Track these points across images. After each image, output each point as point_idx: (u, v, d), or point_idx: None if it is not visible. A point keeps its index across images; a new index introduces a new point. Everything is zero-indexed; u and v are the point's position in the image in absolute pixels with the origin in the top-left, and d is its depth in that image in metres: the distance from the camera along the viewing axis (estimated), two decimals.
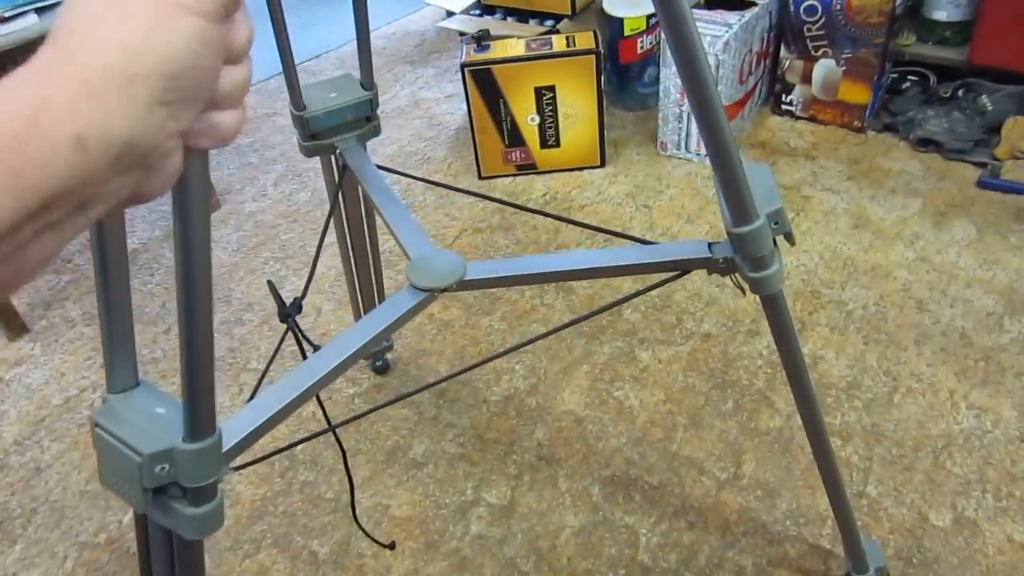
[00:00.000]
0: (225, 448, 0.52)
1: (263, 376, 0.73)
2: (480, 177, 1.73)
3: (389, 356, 1.29)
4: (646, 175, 1.68)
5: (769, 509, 1.02)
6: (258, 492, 1.10)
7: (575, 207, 1.61)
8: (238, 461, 0.57)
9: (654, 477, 1.07)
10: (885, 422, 1.11)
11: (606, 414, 1.16)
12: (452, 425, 1.17)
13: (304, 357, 0.69)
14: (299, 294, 0.77)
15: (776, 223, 0.59)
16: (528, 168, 1.72)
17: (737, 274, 0.65)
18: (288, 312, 0.71)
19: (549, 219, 1.58)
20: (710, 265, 0.66)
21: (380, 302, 1.20)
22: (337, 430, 0.74)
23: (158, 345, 1.38)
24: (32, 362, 1.37)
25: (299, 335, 0.71)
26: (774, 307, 0.66)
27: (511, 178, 1.73)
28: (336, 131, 0.92)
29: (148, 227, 1.71)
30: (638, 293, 0.74)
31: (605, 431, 1.14)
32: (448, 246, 1.54)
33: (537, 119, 1.65)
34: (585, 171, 1.72)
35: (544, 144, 1.68)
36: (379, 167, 0.87)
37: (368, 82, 0.93)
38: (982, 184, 1.54)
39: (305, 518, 1.07)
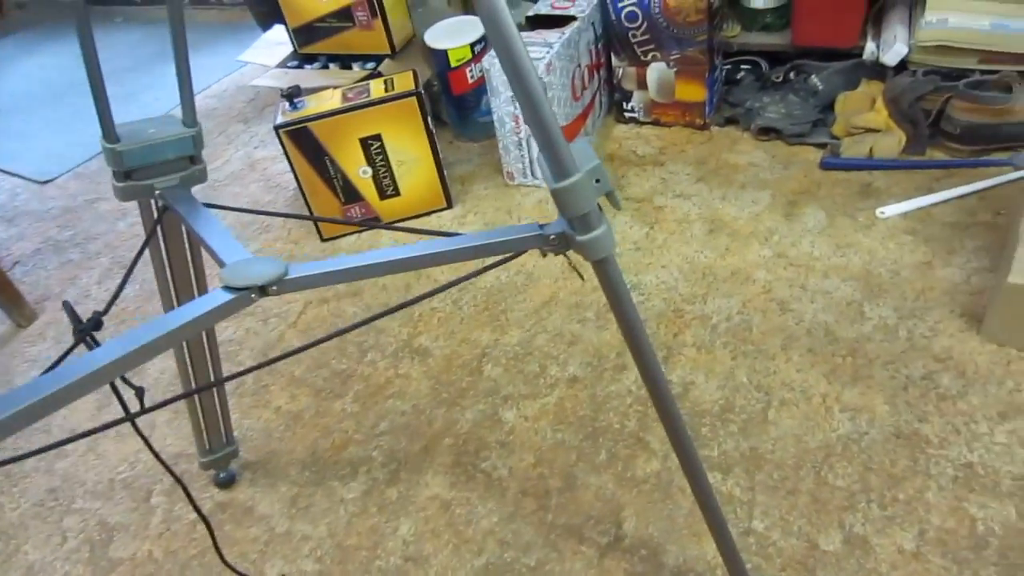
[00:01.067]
0: None
1: None
2: (323, 239, 1.61)
3: (233, 466, 1.16)
4: (496, 209, 1.60)
5: (656, 570, 0.94)
6: None
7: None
8: None
9: (531, 557, 0.97)
10: (763, 443, 1.06)
11: (474, 491, 1.06)
12: (307, 537, 1.05)
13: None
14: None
15: (597, 180, 0.58)
16: (372, 221, 1.61)
17: (570, 252, 0.64)
18: (84, 327, 0.64)
19: (398, 278, 1.47)
20: (542, 243, 0.64)
21: (218, 390, 1.08)
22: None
23: None
24: None
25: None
26: (607, 273, 0.64)
27: (356, 236, 1.61)
28: (155, 171, 0.83)
29: None
30: (474, 274, 0.69)
31: (475, 512, 1.04)
32: (293, 324, 1.42)
33: (369, 171, 1.54)
34: (432, 215, 1.62)
35: (383, 195, 1.58)
36: (207, 205, 0.77)
37: (190, 120, 0.84)
38: (825, 165, 1.52)
39: None
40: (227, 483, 1.15)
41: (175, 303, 0.99)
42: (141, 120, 0.86)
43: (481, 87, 1.74)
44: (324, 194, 1.55)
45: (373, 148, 1.51)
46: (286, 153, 1.48)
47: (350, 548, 1.03)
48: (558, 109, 1.53)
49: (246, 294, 0.63)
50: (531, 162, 1.60)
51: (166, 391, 1.32)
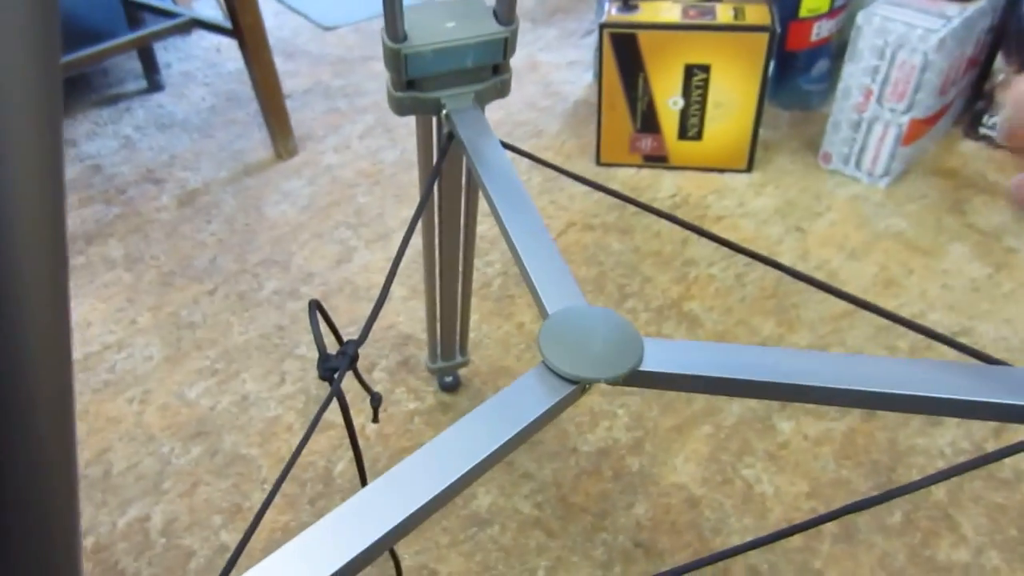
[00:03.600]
0: None
1: (264, 509, 0.44)
2: (598, 163, 1.46)
3: (462, 371, 1.05)
4: (801, 190, 1.38)
5: None
6: (286, 536, 0.88)
7: (710, 216, 1.33)
8: None
9: None
10: None
11: (729, 498, 0.89)
12: (530, 476, 0.92)
13: (355, 448, 0.44)
14: (376, 301, 0.52)
15: None
16: (657, 160, 1.44)
17: None
18: (332, 366, 0.43)
19: (676, 226, 1.30)
20: None
21: (463, 303, 0.96)
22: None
23: (199, 307, 1.17)
24: None
25: (348, 417, 0.44)
26: None
27: (635, 169, 1.45)
28: (446, 82, 0.65)
29: (215, 166, 1.51)
30: (965, 467, 0.41)
31: (726, 522, 0.87)
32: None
33: (681, 103, 1.36)
34: (726, 174, 1.43)
35: (683, 135, 1.40)
36: (507, 146, 0.61)
37: (506, 15, 0.65)
38: None
39: None
40: (451, 388, 1.04)
41: (437, 245, 0.85)
42: (440, 4, 0.66)
43: (820, 48, 1.51)
44: (620, 113, 1.39)
45: (696, 79, 1.32)
46: (600, 57, 1.33)
47: (575, 507, 0.89)
48: (922, 98, 1.27)
49: (579, 387, 0.43)
50: (861, 150, 1.36)
51: (409, 267, 1.23)
